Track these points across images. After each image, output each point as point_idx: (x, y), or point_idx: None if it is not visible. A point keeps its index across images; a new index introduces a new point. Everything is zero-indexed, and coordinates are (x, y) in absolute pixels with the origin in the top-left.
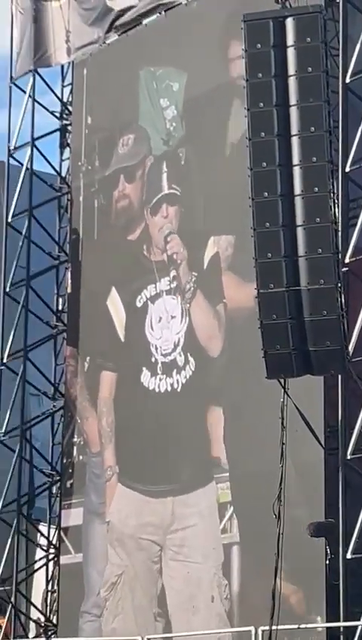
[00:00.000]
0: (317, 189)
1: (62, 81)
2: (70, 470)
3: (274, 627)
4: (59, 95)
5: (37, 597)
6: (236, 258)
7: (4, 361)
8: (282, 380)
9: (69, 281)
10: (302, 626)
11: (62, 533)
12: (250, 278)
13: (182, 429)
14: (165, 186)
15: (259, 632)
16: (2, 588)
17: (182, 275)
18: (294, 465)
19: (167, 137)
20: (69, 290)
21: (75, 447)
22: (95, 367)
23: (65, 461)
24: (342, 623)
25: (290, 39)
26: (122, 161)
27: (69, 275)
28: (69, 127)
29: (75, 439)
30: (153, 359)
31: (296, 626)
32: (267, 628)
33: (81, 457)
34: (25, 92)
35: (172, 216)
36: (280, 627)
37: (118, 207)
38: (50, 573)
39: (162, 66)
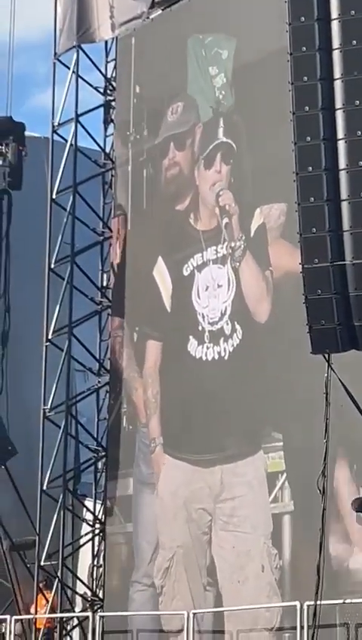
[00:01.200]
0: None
1: (106, 56)
2: (119, 441)
3: (318, 602)
4: (103, 71)
5: (83, 572)
6: (288, 226)
7: (50, 337)
8: (326, 355)
9: (118, 251)
10: (348, 601)
11: (111, 503)
12: None
13: (229, 398)
14: (221, 135)
15: (305, 607)
16: (49, 563)
17: (234, 230)
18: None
19: (216, 105)
20: (117, 261)
21: (124, 418)
22: (142, 337)
23: (114, 432)
24: None
25: (335, 12)
26: (172, 129)
27: (117, 246)
28: (113, 103)
29: (125, 409)
30: (200, 328)
31: (341, 601)
32: (312, 603)
33: (130, 427)
34: (69, 68)
35: (224, 174)
36: (324, 602)
37: (168, 176)
38: (96, 548)
39: (211, 33)
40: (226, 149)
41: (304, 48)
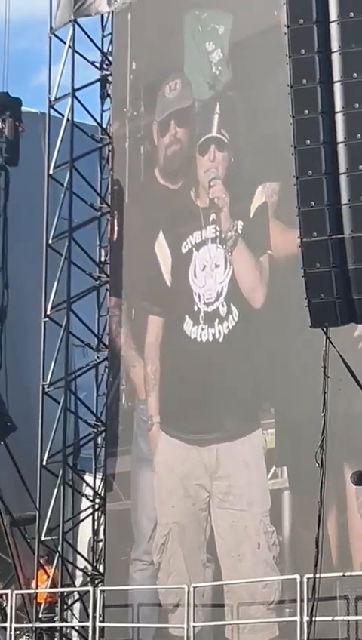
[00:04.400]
0: (360, 135)
1: (102, 31)
2: (118, 417)
3: (318, 575)
4: (99, 45)
5: (83, 546)
6: (281, 205)
7: (48, 313)
8: (325, 329)
9: (116, 227)
10: (347, 573)
11: (111, 479)
12: (294, 225)
13: (225, 379)
14: (215, 127)
15: (304, 580)
16: (49, 537)
17: (223, 222)
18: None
19: (213, 81)
20: (115, 238)
21: (123, 395)
22: (142, 313)
23: (113, 408)
24: None
25: (333, 14)
26: (173, 105)
27: (114, 222)
28: (109, 78)
29: (123, 386)
30: (196, 308)
31: (340, 574)
32: (311, 576)
33: (129, 404)
34: (65, 43)
35: (218, 162)
36: (323, 575)
37: (169, 153)
38: (96, 523)
39: (207, 9)
40: (219, 142)
41: (303, 51)
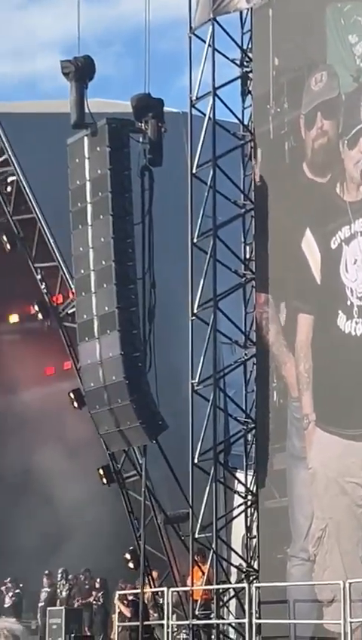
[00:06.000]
0: None
1: (242, 28)
2: (268, 414)
3: None
4: (239, 43)
5: (236, 543)
6: None
7: (195, 311)
8: None
9: (260, 224)
10: None
11: (263, 476)
12: None
13: None
14: None
15: None
16: (203, 535)
17: None
18: None
19: (357, 74)
20: (259, 235)
21: (274, 392)
22: (292, 311)
23: (263, 406)
24: None
25: None
26: (319, 96)
27: (259, 219)
28: (250, 75)
29: (274, 383)
30: (349, 302)
31: None
32: None
33: (281, 401)
34: (205, 42)
35: None
36: None
37: (316, 146)
38: (248, 520)
39: (349, 1)
40: None
41: None
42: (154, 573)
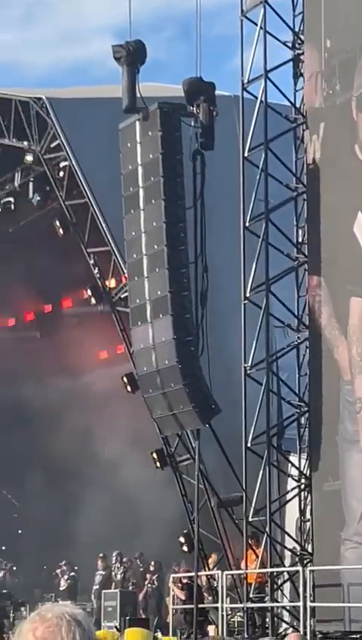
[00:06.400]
0: None
1: (293, 10)
2: (321, 398)
3: None
4: (291, 25)
5: (290, 526)
6: None
7: (248, 295)
8: None
9: (312, 207)
10: None
11: (317, 459)
12: None
13: None
14: None
15: None
16: (257, 518)
17: None
18: None
19: None
20: (312, 218)
21: (327, 375)
22: (344, 294)
23: (316, 389)
24: None
25: None
26: None
27: (312, 202)
28: (302, 57)
29: (328, 367)
30: None
31: None
32: None
33: (333, 385)
34: (256, 24)
35: None
36: None
37: None
38: (302, 503)
39: None
40: None
41: None
42: (214, 556)
